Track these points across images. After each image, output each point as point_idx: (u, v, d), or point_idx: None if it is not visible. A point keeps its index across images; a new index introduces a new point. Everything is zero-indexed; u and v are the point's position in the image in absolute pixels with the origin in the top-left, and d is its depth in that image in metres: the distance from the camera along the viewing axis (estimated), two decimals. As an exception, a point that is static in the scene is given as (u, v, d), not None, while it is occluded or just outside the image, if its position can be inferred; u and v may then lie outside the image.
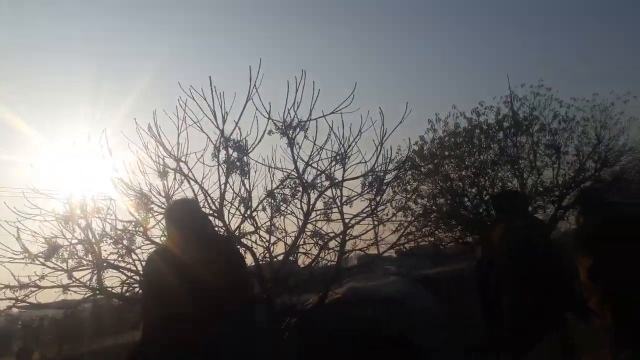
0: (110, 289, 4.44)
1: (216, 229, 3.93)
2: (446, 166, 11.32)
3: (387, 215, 4.94)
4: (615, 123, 11.49)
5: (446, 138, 11.31)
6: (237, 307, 2.15)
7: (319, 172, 4.32)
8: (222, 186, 4.22)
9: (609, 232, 3.05)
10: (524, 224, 3.25)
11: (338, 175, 4.33)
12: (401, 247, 6.00)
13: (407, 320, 5.06)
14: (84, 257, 4.33)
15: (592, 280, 3.06)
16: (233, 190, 4.34)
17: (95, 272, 4.29)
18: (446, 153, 11.23)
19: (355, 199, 4.48)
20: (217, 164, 4.21)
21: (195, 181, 4.26)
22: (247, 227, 4.46)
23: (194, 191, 4.29)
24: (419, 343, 4.78)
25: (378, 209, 4.61)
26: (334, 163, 4.26)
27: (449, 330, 5.34)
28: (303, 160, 4.27)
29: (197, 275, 2.05)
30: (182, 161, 4.24)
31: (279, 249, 4.60)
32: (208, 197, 4.27)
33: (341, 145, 4.20)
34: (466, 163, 11.36)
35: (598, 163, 11.97)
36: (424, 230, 10.38)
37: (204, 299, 2.00)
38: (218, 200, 4.24)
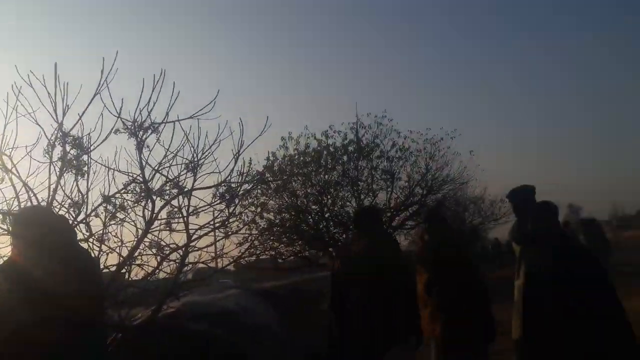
0: None
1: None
2: (294, 183, 11.69)
3: (234, 228, 4.84)
4: (442, 156, 13.14)
5: (296, 156, 11.72)
6: (91, 322, 2.09)
7: (167, 180, 4.04)
8: (53, 186, 3.71)
9: (444, 254, 3.43)
10: (380, 240, 3.47)
11: (188, 183, 4.11)
12: (243, 260, 5.94)
13: (245, 334, 4.98)
14: None
15: (427, 294, 3.41)
16: (64, 191, 3.84)
17: None
18: (295, 170, 11.60)
19: (206, 210, 4.29)
20: (49, 160, 3.70)
21: (19, 177, 3.68)
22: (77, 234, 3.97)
23: (15, 189, 3.72)
24: (256, 359, 4.73)
25: (229, 221, 4.48)
26: (185, 171, 4.03)
27: (286, 344, 5.40)
28: (151, 166, 3.97)
29: (49, 290, 1.90)
30: (5, 154, 3.66)
31: (112, 260, 4.18)
32: (34, 197, 3.72)
33: (195, 153, 4.00)
34: (312, 181, 11.86)
35: (425, 190, 13.50)
36: (266, 244, 10.55)
37: (55, 314, 1.89)
38: (45, 201, 3.72)
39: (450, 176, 13.89)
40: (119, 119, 3.68)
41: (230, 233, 4.81)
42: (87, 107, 3.66)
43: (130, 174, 3.95)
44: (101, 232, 3.99)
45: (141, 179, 3.93)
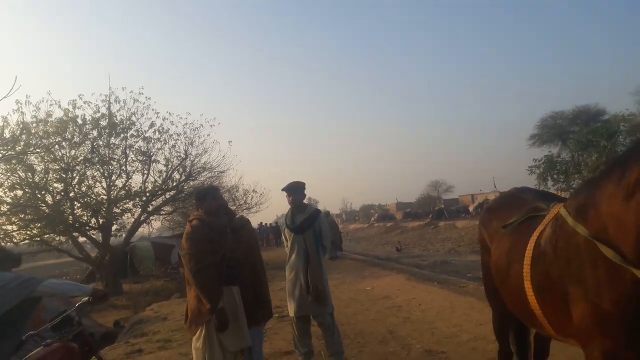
0: None
1: None
2: (31, 155, 10.12)
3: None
4: (202, 142, 13.16)
5: (34, 124, 10.14)
6: None
7: None
8: None
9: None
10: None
11: None
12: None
13: None
14: None
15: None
16: None
17: None
18: (33, 141, 10.05)
19: None
20: None
21: None
22: None
23: None
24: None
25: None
26: None
27: None
28: None
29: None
30: None
31: None
32: None
33: None
34: (55, 156, 10.50)
35: (183, 175, 13.33)
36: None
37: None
38: None
39: (209, 164, 14.07)
40: None
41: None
42: None
43: None
44: None
45: None
